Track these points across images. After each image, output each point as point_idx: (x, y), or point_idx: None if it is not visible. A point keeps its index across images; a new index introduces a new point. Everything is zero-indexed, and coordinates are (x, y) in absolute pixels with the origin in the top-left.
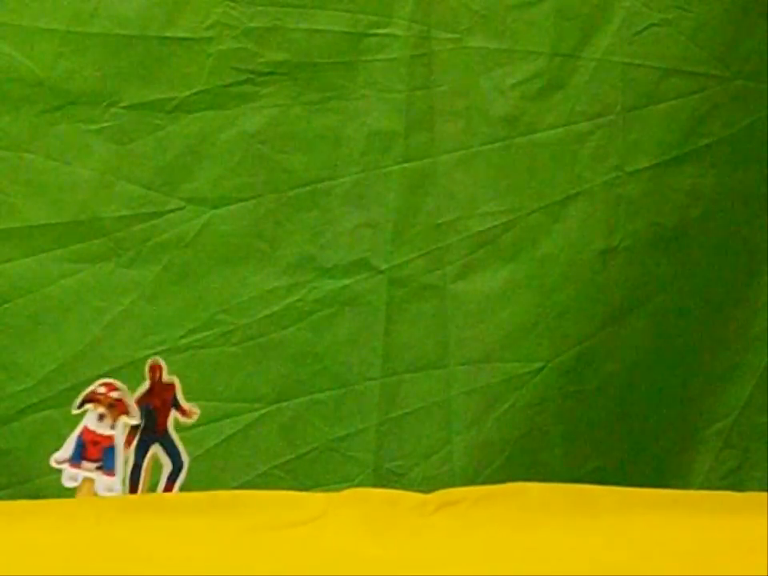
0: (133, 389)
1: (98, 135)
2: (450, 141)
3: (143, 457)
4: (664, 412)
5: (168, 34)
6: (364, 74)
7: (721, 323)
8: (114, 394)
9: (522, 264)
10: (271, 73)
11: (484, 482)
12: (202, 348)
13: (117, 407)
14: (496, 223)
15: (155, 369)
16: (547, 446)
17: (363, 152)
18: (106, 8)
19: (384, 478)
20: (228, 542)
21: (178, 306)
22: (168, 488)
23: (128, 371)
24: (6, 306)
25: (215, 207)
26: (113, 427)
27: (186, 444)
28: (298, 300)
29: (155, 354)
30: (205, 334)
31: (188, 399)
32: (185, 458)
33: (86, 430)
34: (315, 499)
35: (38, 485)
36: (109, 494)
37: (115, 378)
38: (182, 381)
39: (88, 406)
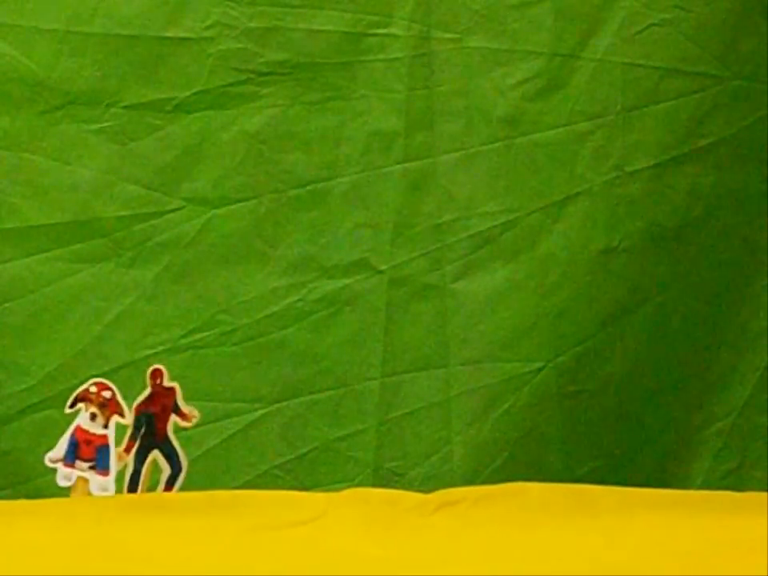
0: (133, 389)
1: (98, 135)
2: (450, 141)
3: (143, 462)
4: (664, 412)
5: (168, 34)
6: (364, 74)
7: (721, 323)
8: (106, 394)
9: (522, 264)
10: (271, 73)
11: (484, 482)
12: (201, 348)
13: (108, 407)
14: (496, 223)
15: (156, 375)
16: (547, 446)
17: (363, 152)
18: (106, 8)
19: (384, 478)
20: (228, 542)
21: (178, 305)
22: (166, 491)
23: (128, 371)
24: (5, 305)
25: (215, 207)
26: (105, 426)
27: (186, 444)
28: (298, 300)
29: (155, 354)
30: (205, 334)
31: (188, 399)
32: (183, 463)
33: (78, 429)
34: (315, 499)
35: (38, 485)
36: (103, 494)
37: (115, 378)
38: (182, 381)
39: (80, 405)
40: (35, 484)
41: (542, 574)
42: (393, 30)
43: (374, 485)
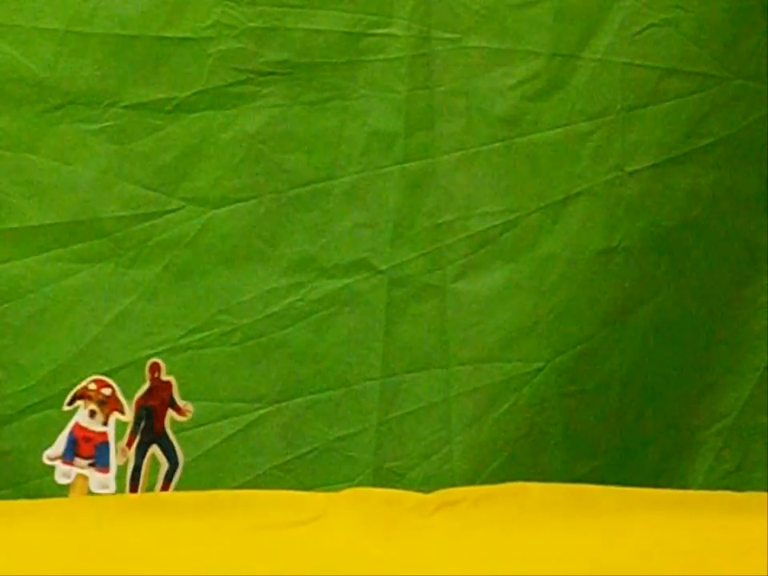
0: (133, 389)
1: (98, 135)
2: (450, 141)
3: (143, 457)
4: (664, 412)
5: (168, 34)
6: (364, 74)
7: (721, 323)
8: (105, 391)
9: (522, 264)
10: (271, 73)
11: (484, 482)
12: (201, 348)
13: (108, 404)
14: (496, 223)
15: (154, 368)
16: (547, 446)
17: (363, 152)
18: (106, 8)
19: (384, 478)
20: (228, 542)
21: (178, 305)
22: (165, 486)
23: (128, 371)
24: (5, 305)
25: (215, 207)
26: (105, 423)
27: (186, 444)
28: (298, 300)
29: (155, 354)
30: (205, 333)
31: (188, 399)
32: (180, 457)
33: (77, 426)
34: (315, 499)
35: (38, 485)
36: (103, 491)
37: (115, 378)
38: (181, 381)
39: (79, 402)
40: (35, 484)
41: (542, 574)
42: (393, 30)
43: (374, 485)
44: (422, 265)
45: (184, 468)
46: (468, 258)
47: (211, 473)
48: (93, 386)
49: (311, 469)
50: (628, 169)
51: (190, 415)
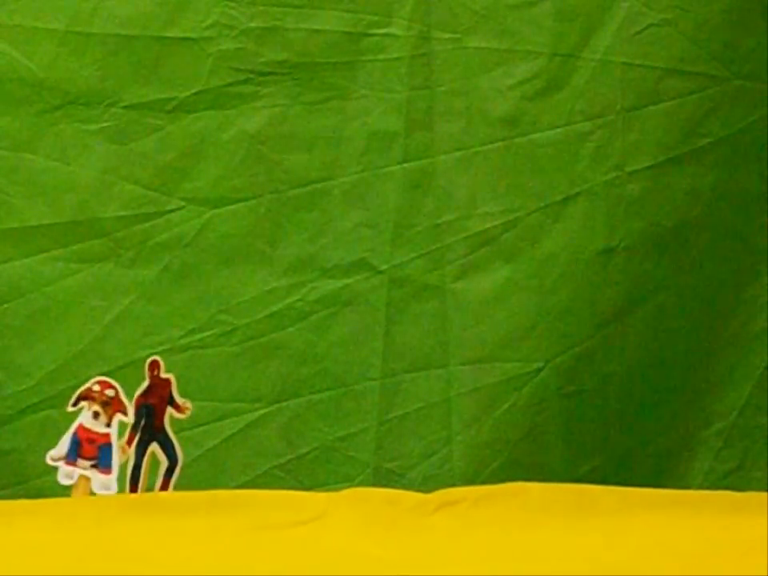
0: (133, 388)
1: (98, 135)
2: (450, 141)
3: (143, 455)
4: (664, 412)
5: (168, 34)
6: (364, 74)
7: (721, 323)
8: (109, 392)
9: (522, 264)
10: (271, 73)
11: (484, 482)
12: (201, 348)
13: (112, 405)
14: (496, 223)
15: (154, 366)
16: (547, 446)
17: (363, 152)
18: (105, 8)
19: (384, 477)
20: (228, 542)
21: (178, 306)
22: (164, 483)
23: (128, 371)
24: (5, 305)
25: (215, 207)
26: (108, 425)
27: (186, 444)
28: (298, 300)
29: (155, 354)
30: (205, 334)
31: (188, 399)
32: (180, 454)
33: (81, 427)
34: (315, 499)
35: (38, 485)
36: (105, 492)
37: (115, 377)
38: (182, 381)
39: (83, 403)
40: (35, 484)
41: (542, 574)
42: (393, 30)
43: (374, 485)
44: (421, 265)
45: (184, 468)
46: (468, 258)
47: (211, 473)
48: (97, 387)
49: (311, 469)
50: (628, 169)
51: (189, 413)
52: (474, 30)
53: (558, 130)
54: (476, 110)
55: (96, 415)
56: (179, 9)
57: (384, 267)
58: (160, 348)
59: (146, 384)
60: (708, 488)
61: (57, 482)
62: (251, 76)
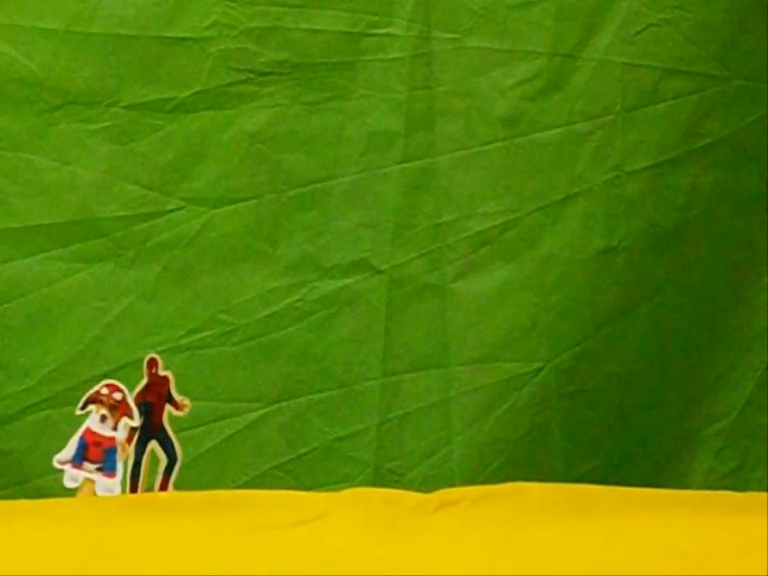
0: (134, 389)
1: (98, 135)
2: (450, 141)
3: (142, 453)
4: (664, 412)
5: (168, 34)
6: (364, 74)
7: (721, 323)
8: (117, 396)
9: (522, 264)
10: (271, 73)
11: (484, 482)
12: (201, 348)
13: (119, 408)
14: (496, 223)
15: (152, 364)
16: (547, 446)
17: (363, 152)
18: (105, 8)
19: (384, 477)
20: (228, 542)
21: (178, 306)
22: (164, 481)
23: (128, 371)
24: (5, 305)
25: (215, 207)
26: (114, 428)
27: (186, 444)
28: (298, 300)
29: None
30: (205, 334)
31: (188, 399)
32: (179, 451)
33: (88, 431)
34: (315, 499)
35: (38, 485)
36: (109, 495)
37: (115, 377)
38: (182, 381)
39: (91, 407)
40: (35, 484)
41: (542, 574)
42: (393, 30)
43: (374, 485)
44: (421, 265)
45: (184, 468)
46: (468, 257)
47: (211, 473)
48: (105, 391)
49: (311, 469)
50: (627, 169)
51: (187, 410)
52: (474, 30)
53: (558, 129)
54: (476, 110)
55: (103, 419)
56: (179, 9)
57: (384, 267)
58: (160, 348)
59: (144, 382)
60: (708, 488)
61: (57, 482)
62: (251, 76)
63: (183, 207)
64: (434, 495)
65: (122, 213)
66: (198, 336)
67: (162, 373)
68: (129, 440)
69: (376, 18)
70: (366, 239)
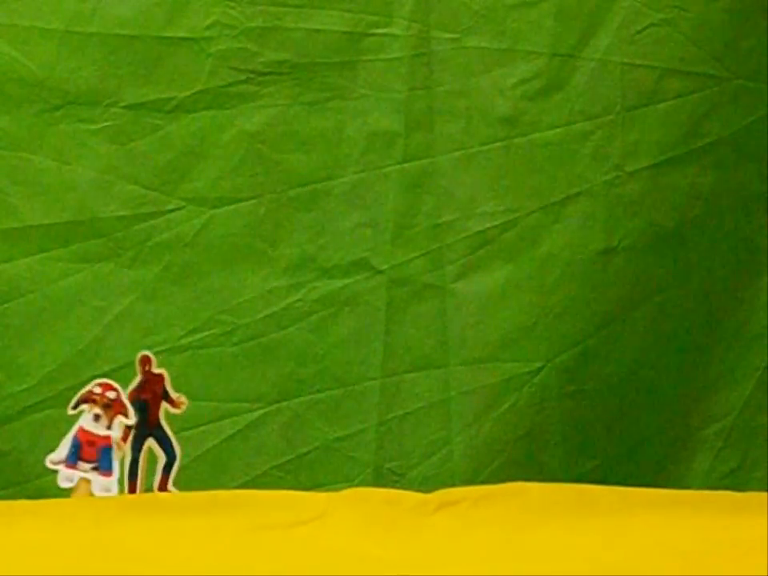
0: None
1: (98, 135)
2: (450, 141)
3: (139, 450)
4: (664, 412)
5: (168, 34)
6: (364, 74)
7: (721, 323)
8: (111, 394)
9: (522, 264)
10: (271, 73)
11: (484, 482)
12: (201, 348)
13: (113, 407)
14: (496, 223)
15: (145, 361)
16: (547, 445)
17: (363, 152)
18: (105, 8)
19: (384, 477)
20: (228, 542)
21: (178, 305)
22: (163, 480)
23: (128, 371)
24: (5, 305)
25: (215, 207)
26: (109, 427)
27: (186, 444)
28: (298, 300)
29: (155, 354)
30: (205, 333)
31: (188, 399)
32: (177, 449)
33: (81, 430)
34: (315, 499)
35: (38, 485)
36: (106, 494)
37: (115, 378)
38: (182, 381)
39: (84, 406)
40: (35, 484)
41: (542, 574)
42: (393, 30)
43: (374, 485)
44: (421, 265)
45: (184, 468)
46: (468, 258)
47: (211, 473)
48: (98, 390)
49: (311, 469)
50: (628, 169)
51: (184, 407)
52: (474, 30)
53: (558, 129)
54: (476, 110)
55: (97, 418)
56: (179, 9)
57: (384, 267)
58: (160, 348)
59: (138, 380)
60: (708, 488)
61: (57, 482)
62: (251, 76)
63: (183, 207)
64: (434, 495)
65: (122, 213)
66: (198, 336)
67: (156, 370)
68: (124, 438)
69: (376, 18)
70: (366, 239)
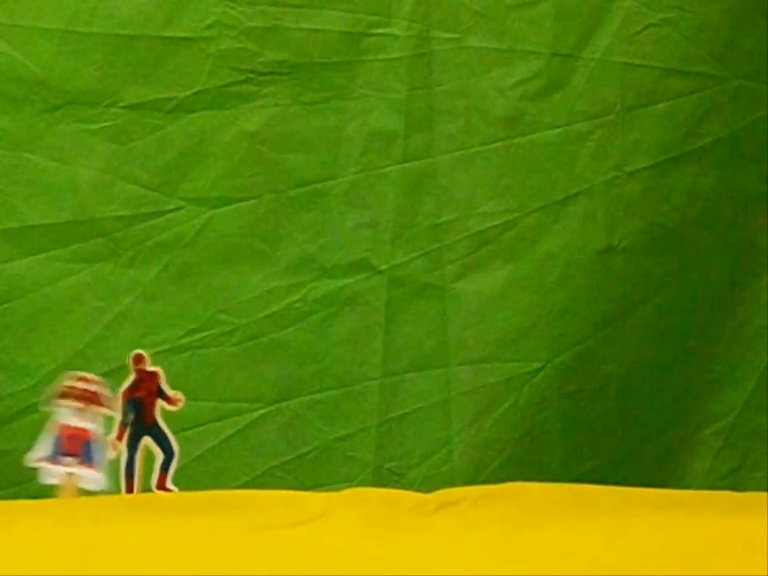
0: None
1: (98, 135)
2: (450, 141)
3: (135, 449)
4: (664, 412)
5: (168, 34)
6: (364, 74)
7: (720, 323)
8: (91, 387)
9: (522, 264)
10: (271, 73)
11: (484, 482)
12: (201, 348)
13: (93, 400)
14: (496, 223)
15: (138, 359)
16: (547, 445)
17: (363, 152)
18: (105, 8)
19: (384, 477)
20: (228, 542)
21: (178, 305)
22: (161, 477)
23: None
24: (5, 305)
25: (215, 207)
26: (91, 420)
27: (186, 444)
28: (298, 300)
29: (155, 353)
30: (205, 333)
31: (188, 399)
32: (175, 446)
33: (61, 425)
34: (315, 499)
35: (38, 485)
36: (93, 486)
37: (115, 377)
38: (182, 381)
39: (62, 401)
40: (35, 484)
41: (542, 574)
42: (393, 30)
43: (374, 485)
44: (421, 265)
45: (184, 468)
46: (468, 257)
47: (211, 473)
48: (77, 384)
49: (311, 469)
50: (627, 169)
51: (181, 404)
52: (474, 29)
53: (558, 129)
54: (476, 109)
55: (78, 411)
56: (179, 9)
57: (384, 267)
58: (160, 348)
59: (131, 378)
60: (708, 488)
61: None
62: (251, 76)
63: (183, 207)
64: (434, 495)
65: (122, 213)
66: (198, 336)
67: (150, 368)
68: (119, 437)
69: (376, 18)
70: (366, 239)
